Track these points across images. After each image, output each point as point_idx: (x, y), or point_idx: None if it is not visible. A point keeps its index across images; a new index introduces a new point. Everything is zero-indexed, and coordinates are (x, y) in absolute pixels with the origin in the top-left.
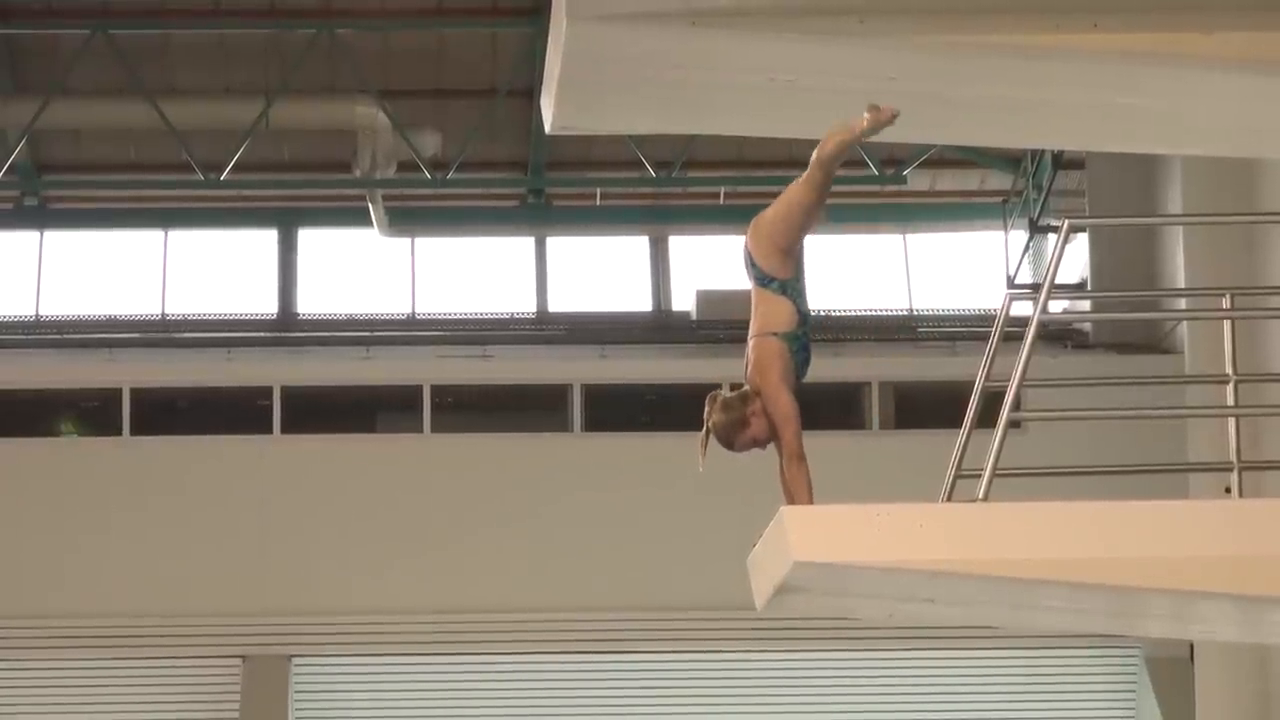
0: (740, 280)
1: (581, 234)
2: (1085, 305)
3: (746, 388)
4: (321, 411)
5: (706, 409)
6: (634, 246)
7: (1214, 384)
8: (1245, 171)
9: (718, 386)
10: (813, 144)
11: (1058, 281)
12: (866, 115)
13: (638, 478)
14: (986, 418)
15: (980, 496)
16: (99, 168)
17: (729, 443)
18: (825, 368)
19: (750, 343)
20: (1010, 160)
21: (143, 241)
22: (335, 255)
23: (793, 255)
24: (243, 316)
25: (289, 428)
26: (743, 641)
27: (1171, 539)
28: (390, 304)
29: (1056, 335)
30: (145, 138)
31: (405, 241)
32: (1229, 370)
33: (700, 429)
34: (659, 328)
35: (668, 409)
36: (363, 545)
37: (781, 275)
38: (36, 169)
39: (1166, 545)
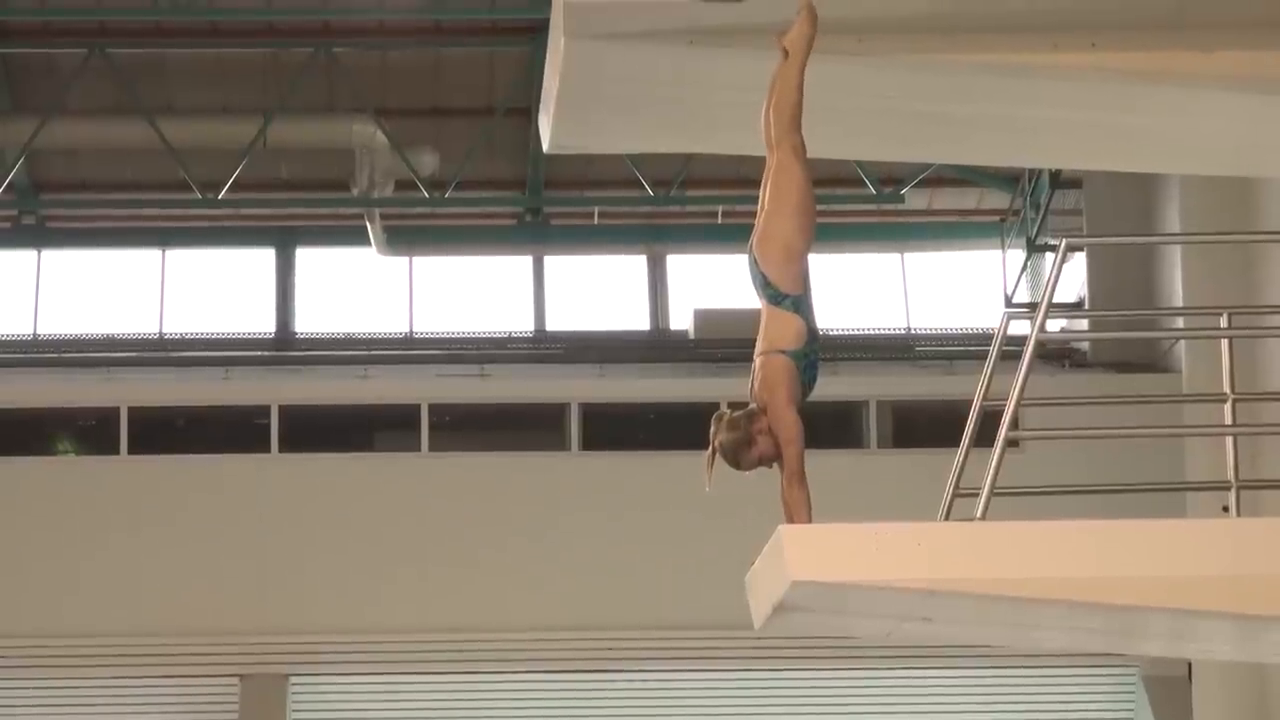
0: (737, 299)
1: (579, 253)
2: (1083, 324)
3: (753, 406)
4: (319, 430)
5: (713, 428)
6: (632, 265)
7: (1212, 403)
8: (1243, 190)
9: (716, 405)
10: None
11: (1055, 300)
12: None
13: (636, 496)
14: (984, 436)
15: (978, 515)
16: (97, 187)
17: (736, 462)
18: (823, 386)
19: (757, 360)
20: (1008, 179)
21: (140, 260)
22: (333, 274)
23: (806, 261)
24: (241, 335)
25: (287, 447)
26: (741, 660)
27: (1169, 558)
28: (388, 323)
29: (1054, 354)
30: (143, 157)
31: (403, 260)
32: (1227, 389)
33: (704, 448)
34: (657, 346)
35: (666, 428)
36: (361, 564)
37: (795, 291)
38: (34, 188)
39: (1164, 564)
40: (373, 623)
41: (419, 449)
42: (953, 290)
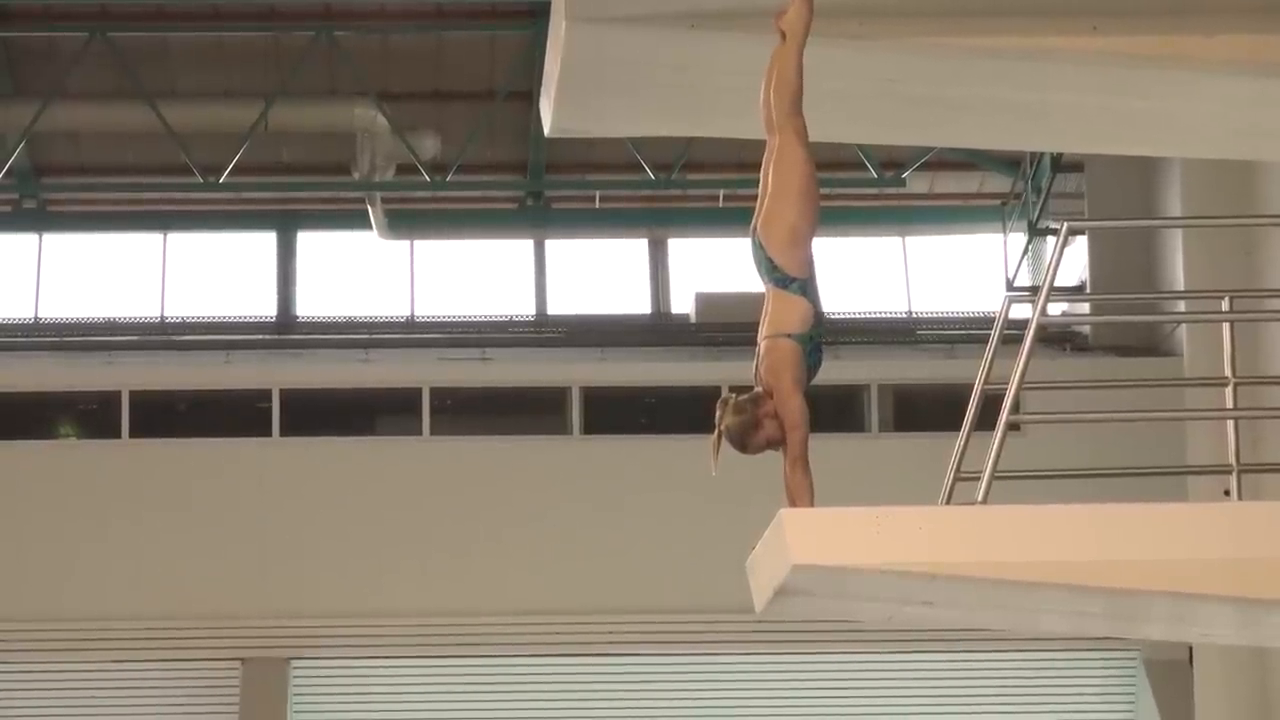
0: (739, 282)
1: (580, 236)
2: (1084, 308)
3: (758, 389)
4: (321, 414)
5: (718, 412)
6: (633, 249)
7: (1213, 386)
8: (1244, 174)
9: (717, 389)
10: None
11: (1057, 284)
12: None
13: (637, 480)
14: (986, 420)
15: (979, 499)
16: (98, 170)
17: (742, 445)
18: (824, 370)
19: (763, 344)
20: (1009, 163)
21: (142, 244)
22: (334, 258)
23: (811, 241)
24: (242, 319)
25: (288, 430)
26: (742, 644)
27: (1170, 542)
28: (389, 307)
29: (1056, 338)
30: (144, 140)
31: (404, 244)
32: (1228, 373)
33: (706, 432)
34: (658, 330)
35: (667, 412)
36: (362, 548)
37: (801, 274)
38: (35, 172)
39: (1165, 548)
40: (374, 606)
41: (420, 433)
42: (954, 274)
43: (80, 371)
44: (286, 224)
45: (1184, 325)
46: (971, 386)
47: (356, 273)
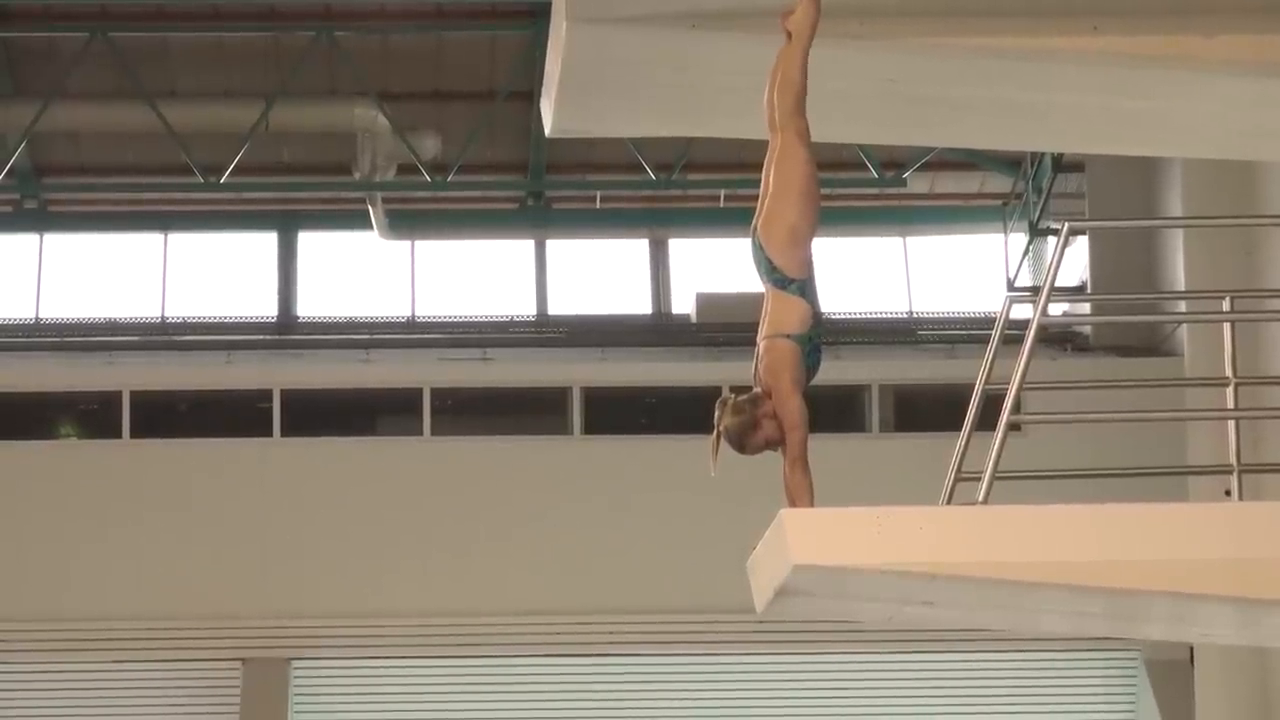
0: (739, 282)
1: (581, 237)
2: (1085, 308)
3: (757, 390)
4: (321, 414)
5: (717, 413)
6: (634, 249)
7: (1214, 387)
8: (1245, 174)
9: (717, 389)
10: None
11: (1058, 284)
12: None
13: (638, 480)
14: (986, 420)
15: (980, 499)
16: (98, 170)
17: (741, 446)
18: (825, 370)
19: (761, 344)
20: (1010, 163)
21: (142, 244)
22: (335, 258)
23: (810, 241)
24: (242, 319)
25: (289, 431)
26: (743, 644)
27: (1171, 542)
28: (390, 307)
29: (1056, 338)
30: (145, 140)
31: (405, 244)
32: (1229, 373)
33: (706, 432)
34: (659, 330)
35: (668, 412)
36: (363, 548)
37: (800, 275)
38: (36, 172)
39: (1166, 548)
40: (375, 607)
41: (421, 433)
42: (955, 274)
43: (81, 371)
44: (287, 224)
45: (1185, 325)
46: (972, 387)
47: (357, 273)
